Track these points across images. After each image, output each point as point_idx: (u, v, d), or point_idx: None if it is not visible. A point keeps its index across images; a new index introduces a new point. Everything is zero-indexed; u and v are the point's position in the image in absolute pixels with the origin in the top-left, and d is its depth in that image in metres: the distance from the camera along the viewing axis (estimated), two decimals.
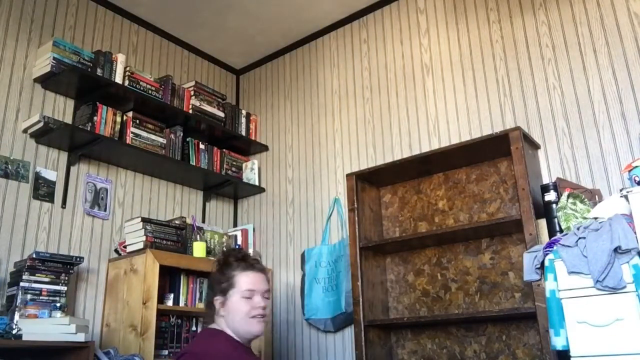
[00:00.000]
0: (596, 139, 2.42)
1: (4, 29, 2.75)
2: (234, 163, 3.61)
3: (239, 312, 1.82)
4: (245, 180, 3.58)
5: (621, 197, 1.81)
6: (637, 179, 1.83)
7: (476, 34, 2.92)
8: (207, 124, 3.36)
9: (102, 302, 2.78)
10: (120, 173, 3.09)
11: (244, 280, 1.86)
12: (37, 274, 2.33)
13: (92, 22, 3.18)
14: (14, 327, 2.08)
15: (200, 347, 1.83)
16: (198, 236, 2.99)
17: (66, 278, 2.42)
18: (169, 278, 2.78)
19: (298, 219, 3.38)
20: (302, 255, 3.17)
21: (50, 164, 2.76)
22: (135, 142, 2.97)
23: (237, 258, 1.94)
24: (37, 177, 2.69)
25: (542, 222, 2.19)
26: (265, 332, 2.81)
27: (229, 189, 3.56)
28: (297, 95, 3.66)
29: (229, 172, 3.55)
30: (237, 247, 2.05)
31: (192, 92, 3.36)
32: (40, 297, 2.31)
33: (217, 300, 1.88)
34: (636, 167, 1.85)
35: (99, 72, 2.88)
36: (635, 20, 2.43)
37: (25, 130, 2.68)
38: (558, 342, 1.74)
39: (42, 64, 2.77)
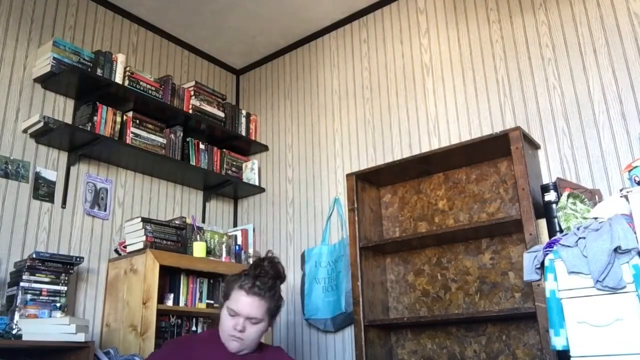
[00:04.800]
0: (596, 139, 2.42)
1: (4, 29, 2.75)
2: (234, 163, 3.61)
3: (222, 324, 1.84)
4: (245, 180, 3.58)
5: (621, 197, 1.81)
6: (637, 179, 1.83)
7: (476, 34, 2.92)
8: (207, 124, 3.36)
9: (102, 302, 2.78)
10: (120, 173, 3.09)
11: (234, 298, 1.83)
12: (37, 274, 2.33)
13: (92, 22, 3.18)
14: (14, 327, 2.07)
15: None
16: (198, 236, 2.99)
17: (66, 278, 2.42)
18: (169, 278, 2.78)
19: (298, 219, 3.38)
20: (302, 255, 3.17)
21: (50, 164, 2.76)
22: (135, 142, 2.97)
23: (249, 273, 1.88)
24: (37, 177, 2.69)
25: (542, 222, 2.19)
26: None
27: (229, 189, 3.56)
28: (297, 95, 3.65)
29: (229, 172, 3.55)
30: (271, 256, 1.96)
31: (192, 92, 3.36)
32: (40, 297, 2.31)
33: (219, 303, 1.92)
34: (636, 167, 1.85)
35: (99, 72, 2.88)
36: (635, 20, 2.42)
37: (25, 130, 2.68)
38: (558, 342, 1.74)
39: (42, 64, 2.77)
